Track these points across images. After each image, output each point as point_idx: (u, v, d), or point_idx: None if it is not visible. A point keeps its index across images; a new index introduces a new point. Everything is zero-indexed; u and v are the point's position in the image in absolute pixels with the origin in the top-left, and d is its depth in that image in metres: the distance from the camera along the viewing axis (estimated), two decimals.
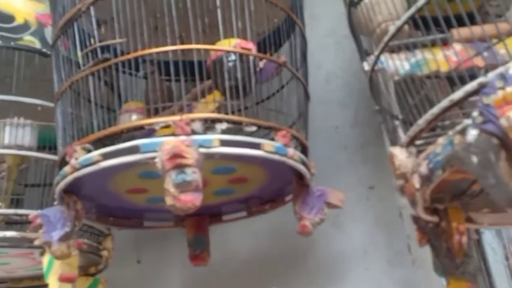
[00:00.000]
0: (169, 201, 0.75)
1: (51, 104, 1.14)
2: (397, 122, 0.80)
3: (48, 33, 1.18)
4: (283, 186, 1.10)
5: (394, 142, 0.80)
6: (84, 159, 0.82)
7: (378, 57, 0.79)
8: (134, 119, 0.93)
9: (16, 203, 1.19)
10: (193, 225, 1.22)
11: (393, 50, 0.78)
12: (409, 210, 0.86)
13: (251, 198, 1.16)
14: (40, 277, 1.41)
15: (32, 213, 1.06)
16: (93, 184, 0.92)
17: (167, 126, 0.83)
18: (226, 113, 0.85)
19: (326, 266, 1.30)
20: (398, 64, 0.78)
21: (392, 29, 0.75)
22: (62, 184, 0.85)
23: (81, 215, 0.96)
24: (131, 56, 0.86)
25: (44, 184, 1.25)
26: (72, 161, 0.83)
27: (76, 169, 0.81)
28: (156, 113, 0.92)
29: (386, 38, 0.76)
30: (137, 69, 1.04)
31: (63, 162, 0.87)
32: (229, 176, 0.99)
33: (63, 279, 1.03)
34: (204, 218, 1.23)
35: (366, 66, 0.84)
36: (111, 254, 1.23)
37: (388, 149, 0.80)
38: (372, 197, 1.31)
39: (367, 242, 1.26)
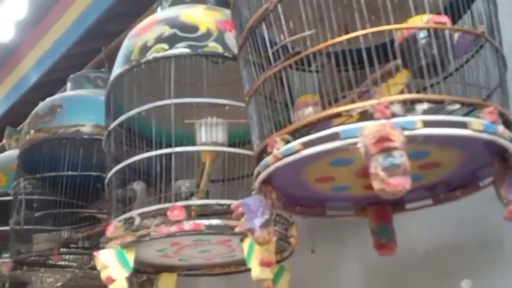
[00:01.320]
0: (377, 185, 0.75)
1: (237, 103, 1.24)
2: None
3: (228, 38, 1.27)
4: (476, 170, 1.02)
5: None
6: (285, 149, 0.86)
7: None
8: (310, 112, 0.95)
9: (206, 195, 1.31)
10: (375, 214, 1.20)
11: None
12: None
13: (439, 184, 1.10)
14: (230, 264, 1.55)
15: (232, 203, 1.17)
16: (287, 174, 0.96)
17: (362, 112, 0.83)
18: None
19: None
20: None
21: None
22: (264, 174, 0.91)
23: (275, 204, 1.02)
24: (322, 46, 0.88)
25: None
26: (275, 151, 0.87)
27: (278, 159, 0.85)
28: (334, 103, 0.93)
29: None
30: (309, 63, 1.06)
31: (262, 154, 0.93)
32: (421, 161, 0.95)
33: (263, 263, 1.10)
34: (386, 206, 1.20)
35: None
36: (298, 242, 1.28)
37: None
38: None
39: None
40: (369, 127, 0.77)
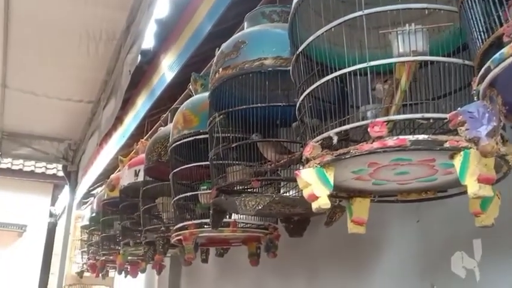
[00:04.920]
0: None
1: (437, 6, 1.11)
2: None
3: None
4: None
5: None
6: None
7: None
8: None
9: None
10: None
11: None
12: None
13: None
14: (427, 190, 1.46)
15: (441, 116, 1.07)
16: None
17: None
18: None
19: None
20: None
21: None
22: (497, 70, 0.79)
23: (501, 110, 0.90)
24: None
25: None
26: None
27: None
28: None
29: None
30: None
31: (490, 49, 0.81)
32: None
33: (482, 180, 0.99)
34: None
35: None
36: None
37: None
38: None
39: None
40: None
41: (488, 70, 0.81)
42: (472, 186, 1.00)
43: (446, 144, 1.04)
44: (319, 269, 2.51)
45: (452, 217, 1.71)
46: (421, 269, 1.84)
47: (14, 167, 8.74)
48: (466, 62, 1.07)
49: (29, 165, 9.01)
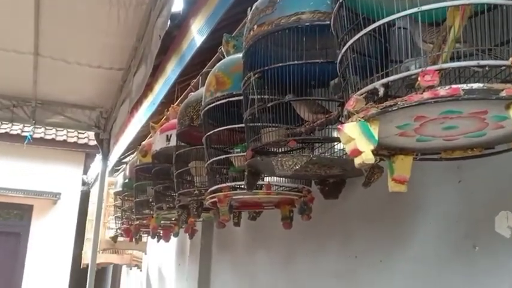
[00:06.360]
0: None
1: None
2: None
3: None
4: None
5: None
6: None
7: None
8: None
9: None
10: None
11: None
12: None
13: None
14: (473, 147, 1.40)
15: (495, 63, 1.01)
16: None
17: None
18: None
19: None
20: None
21: None
22: None
23: None
24: None
25: None
26: None
27: None
28: None
29: None
30: None
31: None
32: None
33: None
34: None
35: None
36: None
37: None
38: None
39: None
40: None
41: None
42: None
43: (503, 93, 0.98)
44: (354, 232, 2.49)
45: (495, 176, 1.66)
46: (463, 230, 1.79)
47: (47, 137, 8.95)
48: None
49: (61, 135, 9.21)
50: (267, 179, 2.29)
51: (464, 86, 1.00)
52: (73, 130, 8.54)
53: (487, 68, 1.04)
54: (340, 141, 1.70)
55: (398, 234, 2.14)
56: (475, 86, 1.00)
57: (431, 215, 1.96)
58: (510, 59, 0.91)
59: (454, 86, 1.02)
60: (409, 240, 2.08)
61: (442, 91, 1.02)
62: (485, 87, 0.99)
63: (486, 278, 1.68)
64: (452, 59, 1.17)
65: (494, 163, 1.47)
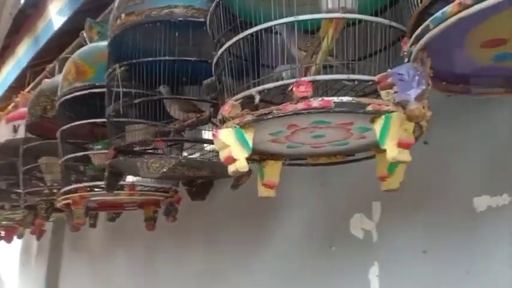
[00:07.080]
0: None
1: None
2: None
3: None
4: None
5: None
6: None
7: None
8: None
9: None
10: None
11: None
12: None
13: None
14: (337, 154, 1.47)
15: (366, 78, 1.05)
16: (453, 34, 0.82)
17: None
18: None
19: None
20: None
21: None
22: (436, 31, 0.76)
23: (429, 73, 0.89)
24: None
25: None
26: None
27: (467, 6, 0.70)
28: None
29: None
30: None
31: (427, 10, 0.79)
32: None
33: (401, 144, 1.00)
34: None
35: None
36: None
37: None
38: None
39: None
40: None
41: (426, 30, 0.78)
42: (392, 151, 1.00)
43: (369, 108, 1.02)
44: (219, 233, 2.48)
45: (354, 181, 1.77)
46: (321, 231, 1.89)
47: None
48: (393, 24, 1.05)
49: None
50: (130, 178, 2.15)
51: (335, 99, 1.03)
52: None
53: (355, 82, 1.07)
54: (210, 143, 1.65)
55: (263, 235, 2.18)
56: (345, 99, 1.03)
57: (293, 217, 2.03)
58: (377, 76, 0.94)
59: (326, 98, 1.04)
60: (273, 240, 2.13)
61: (315, 102, 1.03)
62: (354, 101, 1.03)
63: (341, 276, 1.79)
64: (325, 68, 1.20)
65: (353, 170, 1.56)
